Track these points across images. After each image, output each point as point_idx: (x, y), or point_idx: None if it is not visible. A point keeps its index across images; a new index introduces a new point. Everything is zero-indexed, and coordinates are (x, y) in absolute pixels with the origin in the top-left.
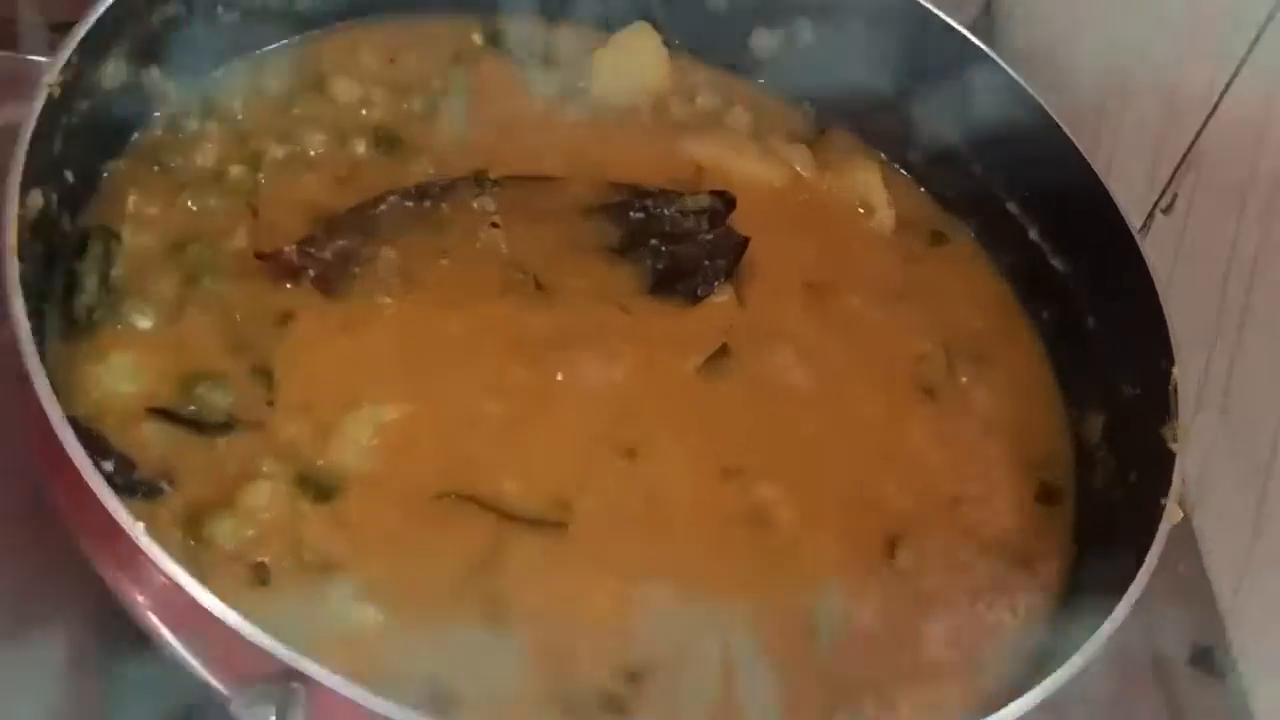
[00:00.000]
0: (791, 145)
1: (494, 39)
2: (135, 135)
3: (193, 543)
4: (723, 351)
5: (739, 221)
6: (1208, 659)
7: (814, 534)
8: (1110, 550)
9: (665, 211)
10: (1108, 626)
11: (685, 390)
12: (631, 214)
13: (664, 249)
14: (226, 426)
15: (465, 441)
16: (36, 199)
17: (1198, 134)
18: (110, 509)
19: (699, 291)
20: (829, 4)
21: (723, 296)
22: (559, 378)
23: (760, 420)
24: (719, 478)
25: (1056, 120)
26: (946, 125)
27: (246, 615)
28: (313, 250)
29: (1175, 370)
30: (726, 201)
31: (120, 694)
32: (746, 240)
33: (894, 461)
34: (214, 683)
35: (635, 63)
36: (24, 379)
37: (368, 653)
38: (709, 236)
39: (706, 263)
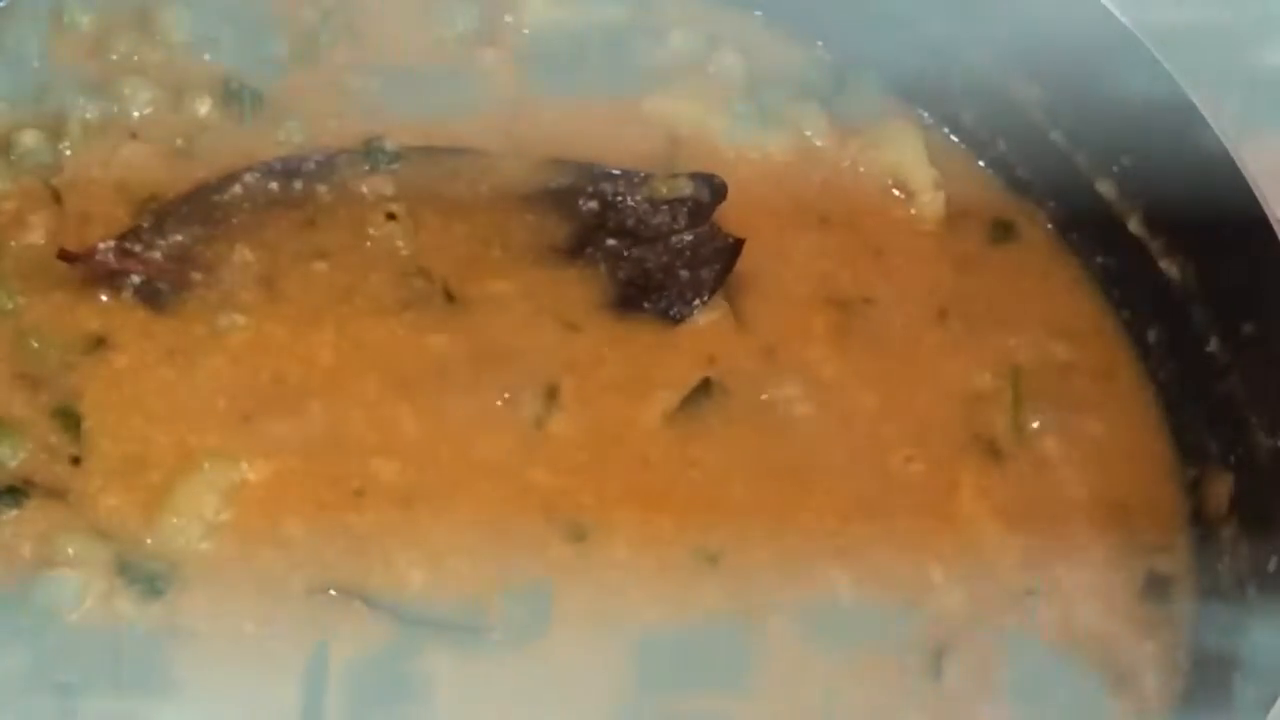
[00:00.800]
0: (801, 103)
1: None
2: None
3: None
4: (704, 390)
5: (729, 214)
6: None
7: (829, 645)
8: (1239, 665)
9: (628, 200)
10: None
11: (654, 444)
12: (582, 203)
13: (627, 253)
14: (16, 493)
15: (347, 514)
16: None
17: None
18: None
19: (673, 312)
20: None
21: (712, 315)
22: (478, 427)
23: (758, 485)
24: (696, 567)
25: (1166, 67)
26: (1014, 74)
27: None
28: (138, 249)
29: None
30: (714, 189)
31: None
32: (739, 244)
33: (941, 541)
34: None
35: None
36: None
37: None
38: (688, 238)
39: (684, 273)
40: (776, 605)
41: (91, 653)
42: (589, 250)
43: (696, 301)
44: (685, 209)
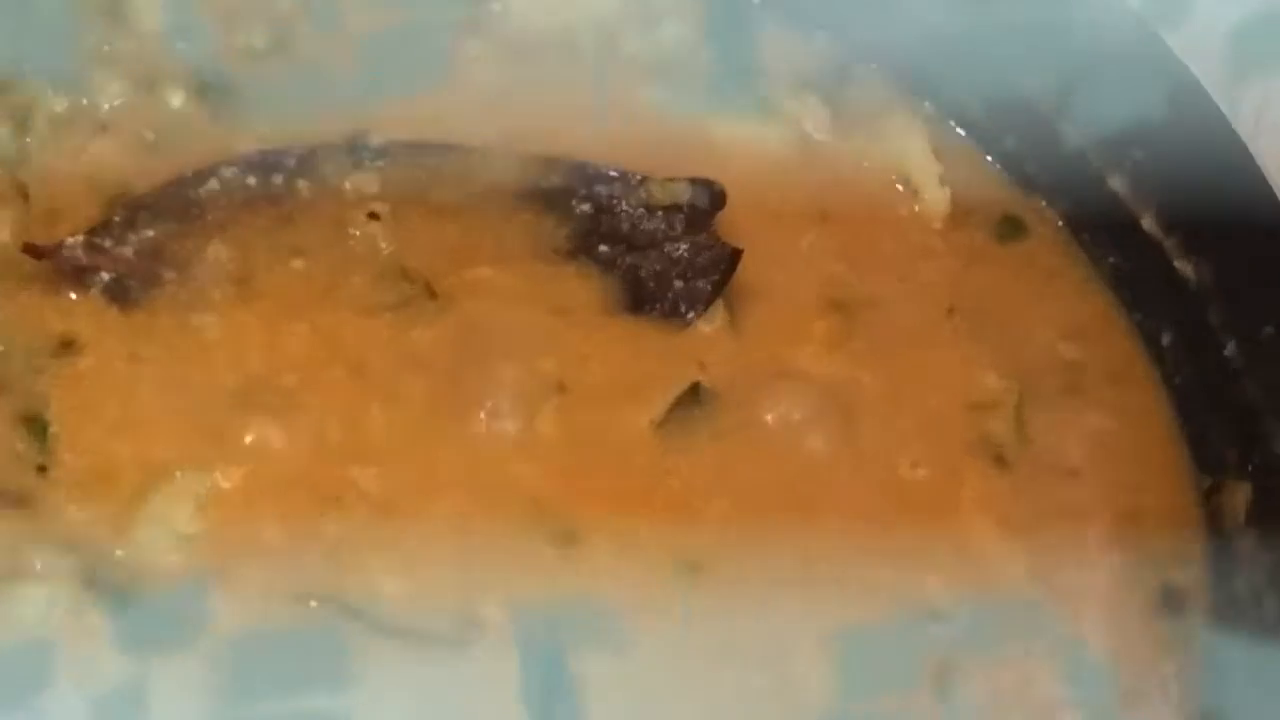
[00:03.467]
0: (800, 95)
1: None
2: None
3: None
4: (693, 395)
5: (725, 210)
6: None
7: (826, 661)
8: (1261, 684)
9: (623, 205)
10: None
11: (641, 451)
12: (575, 205)
13: (620, 261)
14: None
15: (325, 522)
16: None
17: None
18: None
19: (669, 320)
20: None
21: (707, 318)
22: (462, 430)
23: (750, 494)
24: (680, 579)
25: (1182, 59)
26: (1023, 64)
27: None
28: (108, 245)
29: None
30: (712, 196)
31: None
32: (737, 254)
33: (944, 553)
34: None
35: None
36: None
37: None
38: (684, 247)
39: (679, 283)
40: (769, 621)
41: (62, 668)
42: (582, 258)
43: (690, 314)
44: (682, 215)
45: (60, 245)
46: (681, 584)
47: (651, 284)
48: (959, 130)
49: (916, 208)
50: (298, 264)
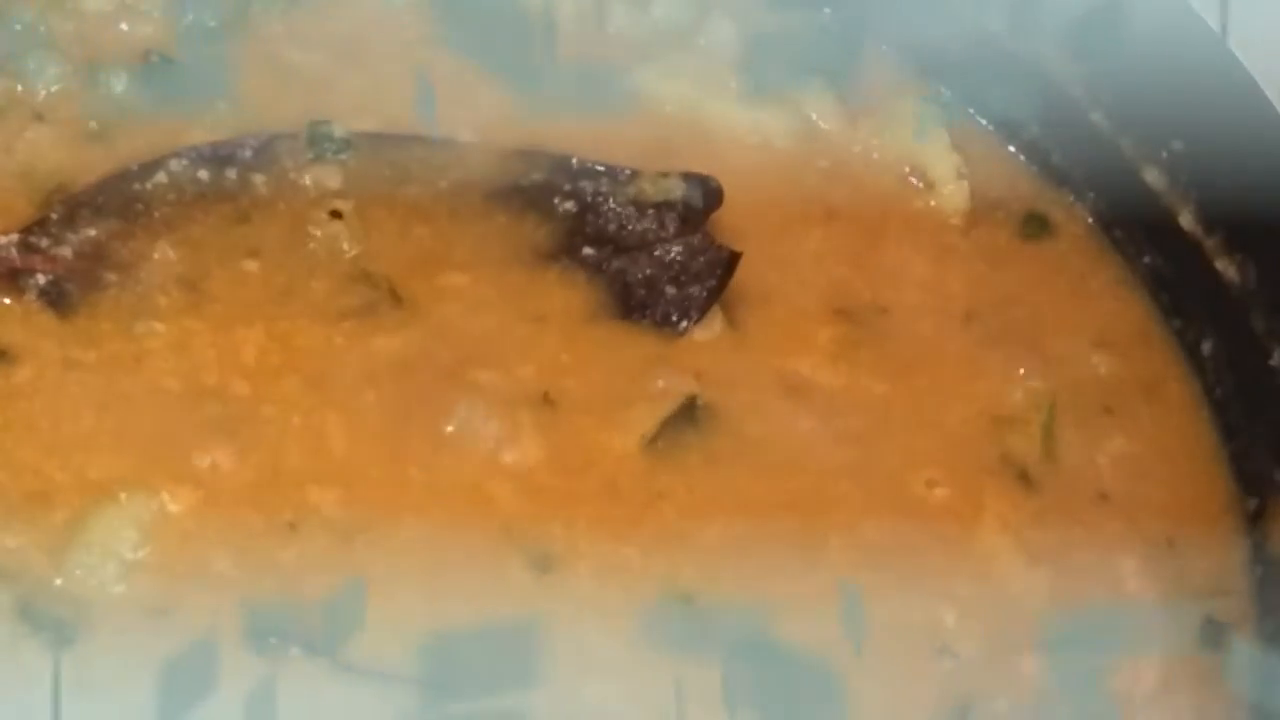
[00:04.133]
0: (804, 79)
1: None
2: None
3: None
4: (688, 411)
5: (723, 207)
6: None
7: (838, 701)
8: None
9: (610, 202)
10: None
11: (632, 474)
12: (558, 203)
13: (605, 265)
14: None
15: (281, 549)
16: None
17: None
18: None
19: (659, 328)
20: None
21: (708, 331)
22: (430, 448)
23: (749, 519)
24: (671, 608)
25: (1223, 39)
26: (1049, 44)
27: None
28: (44, 244)
29: None
30: (707, 193)
31: None
32: (735, 257)
33: (963, 581)
34: None
35: None
36: None
37: None
38: (676, 249)
39: (671, 290)
40: (769, 652)
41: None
42: (564, 260)
43: (684, 323)
44: (674, 214)
45: None
46: (672, 615)
47: (641, 290)
48: (979, 118)
49: (932, 203)
50: (252, 266)
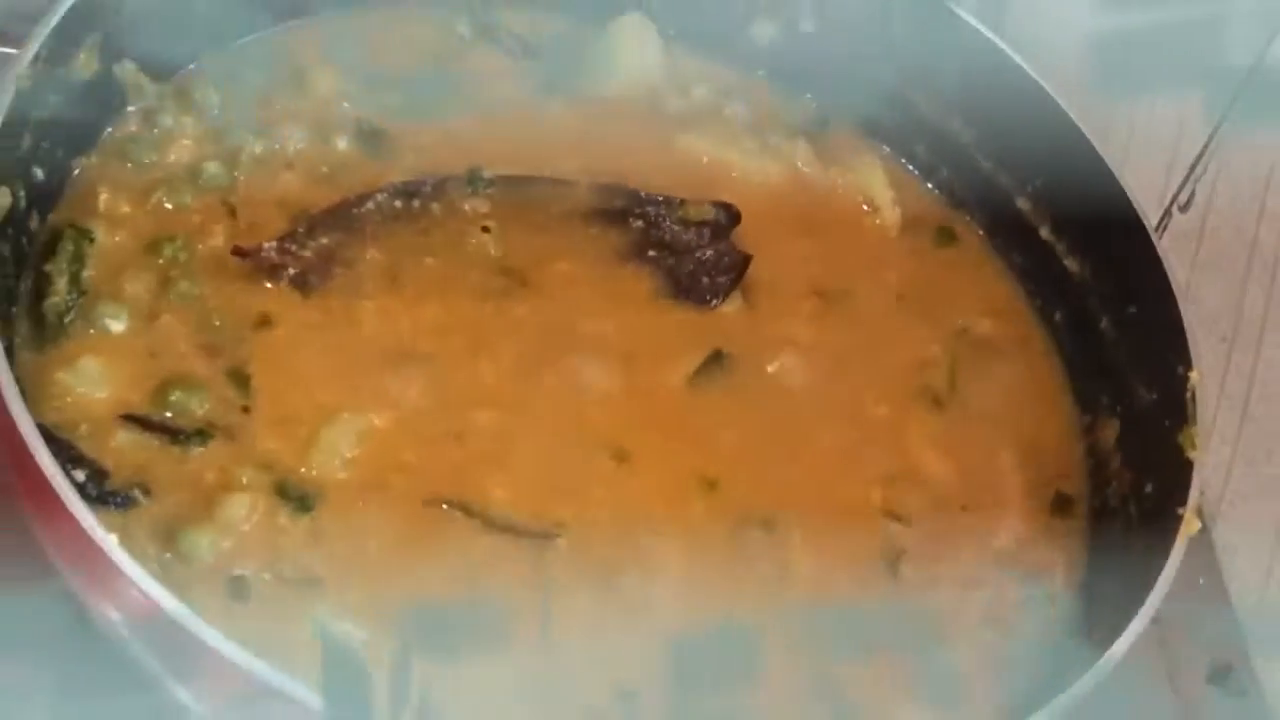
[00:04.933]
0: (792, 140)
1: (481, 30)
2: (107, 130)
3: (168, 556)
4: (719, 359)
5: (741, 227)
6: (1227, 677)
7: (809, 547)
8: (1126, 563)
9: (666, 221)
10: (1123, 643)
11: (679, 399)
12: (631, 221)
13: (663, 262)
14: (202, 434)
15: (450, 450)
16: (4, 196)
17: (1215, 129)
18: (82, 521)
19: (698, 306)
20: None
21: (728, 303)
22: (549, 383)
23: (756, 428)
24: (706, 488)
25: (1068, 113)
26: (953, 118)
27: (225, 633)
28: (293, 247)
29: (1193, 375)
30: (730, 215)
31: (95, 712)
32: (748, 258)
33: (898, 472)
34: (192, 703)
35: (629, 55)
36: None
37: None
38: (709, 253)
39: (706, 280)
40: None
41: (259, 554)
42: (635, 259)
43: (715, 301)
44: (708, 229)
45: (259, 249)
46: (699, 493)
47: (686, 280)
48: (908, 165)
49: (878, 221)
50: (430, 262)
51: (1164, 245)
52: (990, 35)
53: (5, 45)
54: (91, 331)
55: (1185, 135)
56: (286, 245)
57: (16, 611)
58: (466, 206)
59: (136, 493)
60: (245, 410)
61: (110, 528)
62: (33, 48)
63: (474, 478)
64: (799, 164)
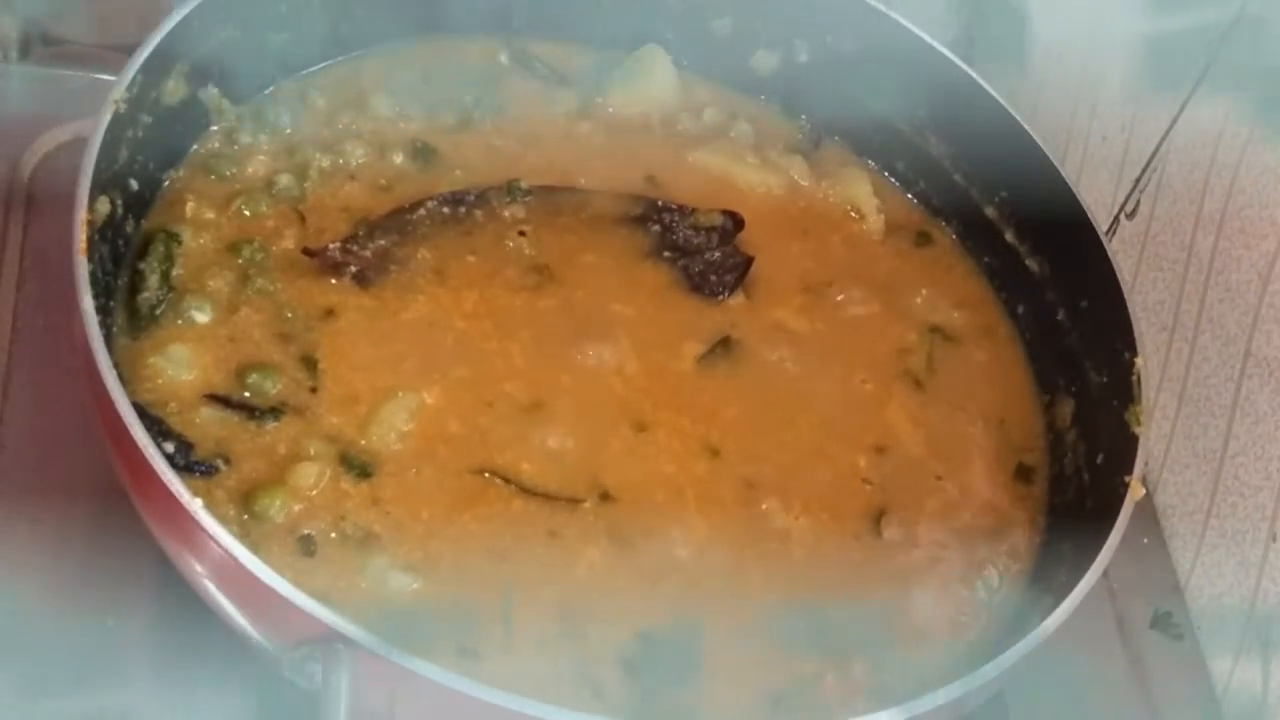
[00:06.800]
0: (789, 156)
1: (519, 59)
2: (193, 147)
3: (246, 517)
4: (725, 344)
5: (745, 232)
6: (1168, 623)
7: (804, 509)
8: (1080, 524)
9: (680, 227)
10: (1077, 593)
11: (689, 379)
12: (650, 226)
13: (678, 262)
14: (276, 411)
15: (490, 423)
16: (104, 204)
17: (1158, 146)
18: (171, 487)
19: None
20: (822, 28)
21: (737, 299)
22: (575, 362)
23: (756, 405)
24: (710, 455)
25: (1030, 133)
26: (930, 138)
27: (295, 583)
28: (354, 248)
29: (1139, 360)
30: (736, 221)
31: (183, 653)
32: (750, 260)
33: (881, 443)
34: (267, 644)
35: (648, 81)
36: (93, 369)
37: (403, 615)
38: (717, 254)
39: (713, 278)
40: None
41: (325, 515)
42: (652, 259)
43: (722, 295)
44: (716, 234)
45: (326, 249)
46: (706, 460)
47: (697, 277)
48: (890, 178)
49: (864, 227)
50: (473, 260)
51: (1113, 248)
52: (963, 65)
53: (105, 73)
54: (179, 322)
55: (1131, 153)
56: (349, 246)
57: (114, 564)
58: (505, 213)
59: (218, 462)
60: (313, 390)
61: (195, 493)
62: (128, 75)
63: (511, 447)
64: (795, 177)
